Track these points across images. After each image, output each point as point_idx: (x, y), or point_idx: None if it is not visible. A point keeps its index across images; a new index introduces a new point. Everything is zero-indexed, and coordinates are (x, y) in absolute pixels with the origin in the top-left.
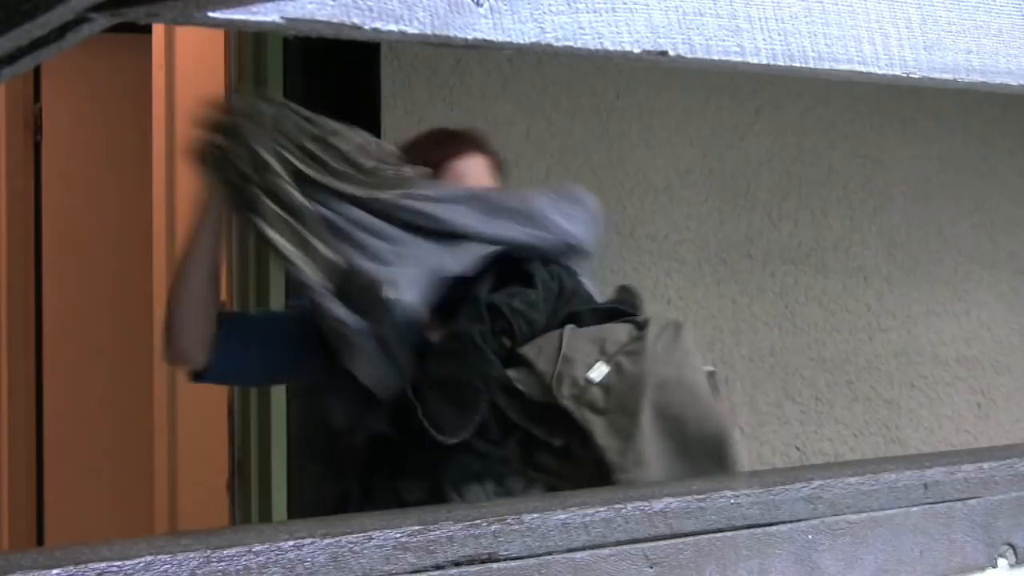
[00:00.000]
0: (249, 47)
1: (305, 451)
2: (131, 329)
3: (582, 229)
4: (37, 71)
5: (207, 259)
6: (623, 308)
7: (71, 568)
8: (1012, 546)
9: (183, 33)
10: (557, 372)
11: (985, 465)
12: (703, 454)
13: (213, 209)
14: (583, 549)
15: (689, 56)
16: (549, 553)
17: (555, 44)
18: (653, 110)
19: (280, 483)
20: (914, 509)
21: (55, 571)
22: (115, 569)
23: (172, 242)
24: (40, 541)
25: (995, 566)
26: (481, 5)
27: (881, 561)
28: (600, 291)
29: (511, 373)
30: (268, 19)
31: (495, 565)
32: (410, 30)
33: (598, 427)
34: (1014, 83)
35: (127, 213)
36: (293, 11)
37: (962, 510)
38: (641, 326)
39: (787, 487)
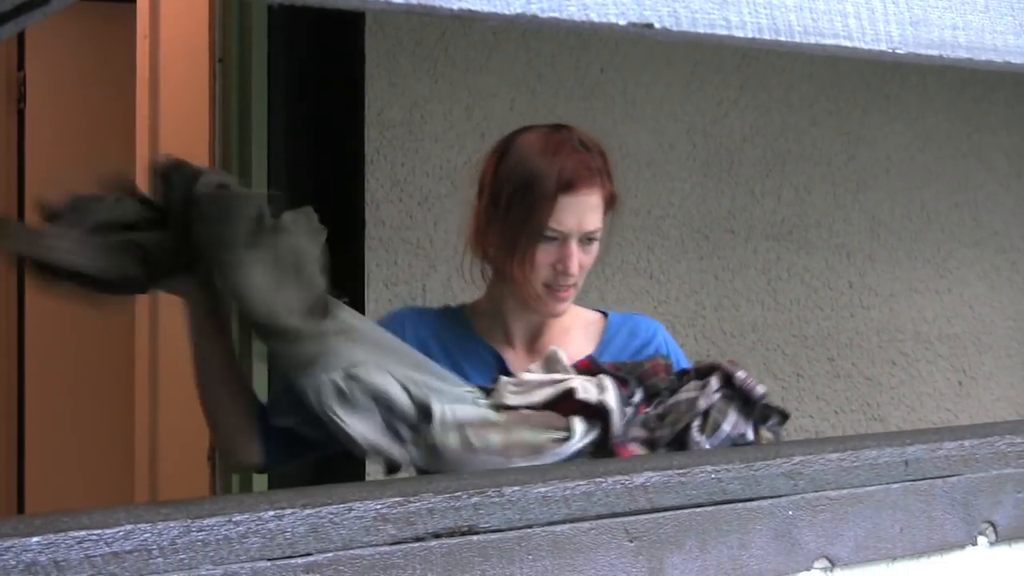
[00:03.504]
0: (234, 17)
1: None
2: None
3: None
4: (21, 38)
5: (210, 366)
6: None
7: (51, 536)
8: (992, 524)
9: (167, 2)
10: None
11: (966, 443)
12: None
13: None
14: (563, 522)
15: (675, 29)
16: (529, 526)
17: (540, 15)
18: (637, 84)
19: None
20: (895, 486)
21: (35, 539)
22: (95, 537)
23: None
24: (21, 512)
25: (975, 543)
26: None
27: (861, 537)
28: None
29: None
30: None
31: (475, 537)
32: None
33: None
34: (999, 60)
35: None
36: None
37: (942, 487)
38: None
39: (768, 463)
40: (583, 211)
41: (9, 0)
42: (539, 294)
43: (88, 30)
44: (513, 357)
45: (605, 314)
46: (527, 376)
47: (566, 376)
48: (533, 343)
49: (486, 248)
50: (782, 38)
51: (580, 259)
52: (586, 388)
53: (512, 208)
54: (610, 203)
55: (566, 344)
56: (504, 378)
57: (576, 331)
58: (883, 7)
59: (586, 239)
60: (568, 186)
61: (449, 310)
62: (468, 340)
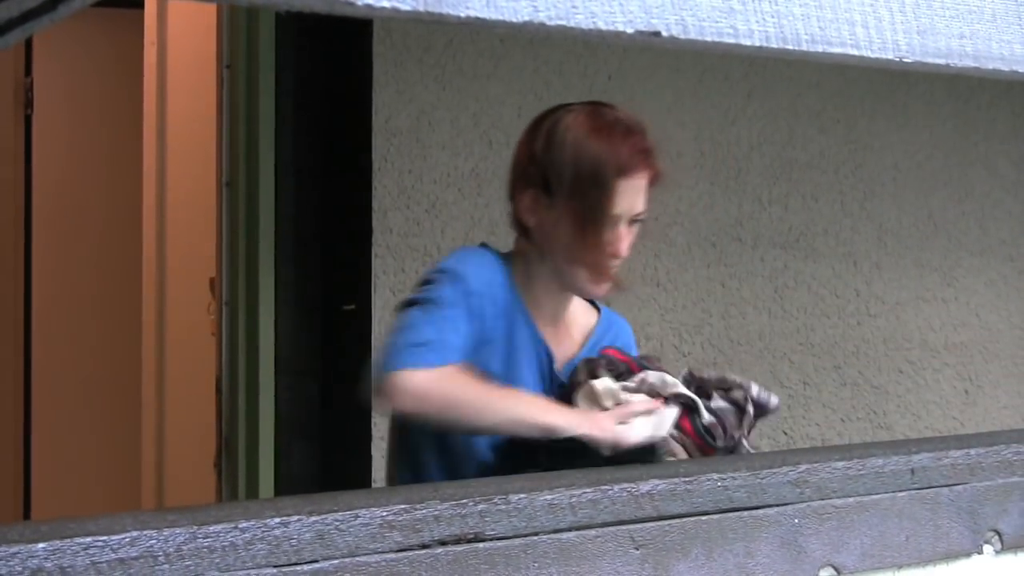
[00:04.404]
0: (241, 23)
1: None
2: (120, 304)
3: None
4: (29, 44)
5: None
6: None
7: (57, 542)
8: (998, 532)
9: (175, 9)
10: None
11: (972, 451)
12: None
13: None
14: (569, 530)
15: (682, 37)
16: (535, 533)
17: (548, 23)
18: (645, 92)
19: (268, 460)
20: (901, 494)
21: (41, 545)
22: (101, 543)
23: (162, 217)
24: (27, 518)
25: (980, 552)
26: None
27: (867, 546)
28: None
29: None
30: None
31: (481, 545)
32: (403, 7)
33: None
34: (1006, 69)
35: (118, 188)
36: None
37: (948, 496)
38: None
39: (774, 471)
40: (635, 194)
41: (16, 6)
42: (587, 276)
43: (96, 37)
44: (551, 337)
45: (595, 305)
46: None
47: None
48: (556, 319)
49: (537, 230)
50: (789, 47)
51: (626, 245)
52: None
53: (573, 196)
54: (654, 182)
55: (572, 324)
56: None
57: (579, 315)
58: (890, 16)
59: (633, 220)
60: (624, 170)
61: (503, 271)
62: (524, 326)
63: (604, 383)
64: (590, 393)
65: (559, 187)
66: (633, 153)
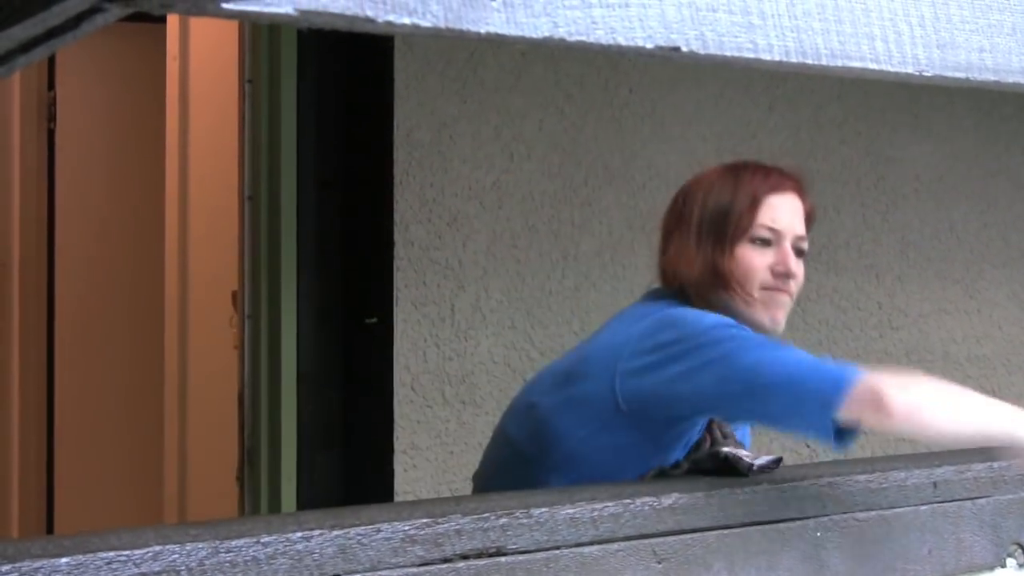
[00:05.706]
0: (263, 38)
1: None
2: (143, 318)
3: None
4: (52, 59)
5: None
6: None
7: (80, 556)
8: (1021, 545)
9: (197, 24)
10: None
11: (995, 465)
12: None
13: None
14: (591, 544)
15: (702, 52)
16: (557, 547)
17: (568, 39)
18: (666, 105)
19: (290, 473)
20: (923, 508)
21: (64, 559)
22: (124, 558)
23: (184, 231)
24: (50, 530)
25: (1004, 565)
26: None
27: (889, 559)
28: None
29: None
30: (281, 11)
31: (503, 559)
32: (423, 23)
33: None
34: None
35: (140, 202)
36: (306, 3)
37: (971, 509)
38: None
39: (796, 484)
40: (793, 212)
41: (40, 24)
42: (758, 298)
43: (118, 51)
44: None
45: None
46: None
47: None
48: None
49: (692, 271)
50: (809, 61)
51: (796, 267)
52: None
53: (722, 218)
54: (809, 214)
55: None
56: None
57: None
58: (910, 30)
59: (797, 248)
60: (776, 187)
61: None
62: None
63: None
64: None
65: (708, 216)
66: (781, 176)
